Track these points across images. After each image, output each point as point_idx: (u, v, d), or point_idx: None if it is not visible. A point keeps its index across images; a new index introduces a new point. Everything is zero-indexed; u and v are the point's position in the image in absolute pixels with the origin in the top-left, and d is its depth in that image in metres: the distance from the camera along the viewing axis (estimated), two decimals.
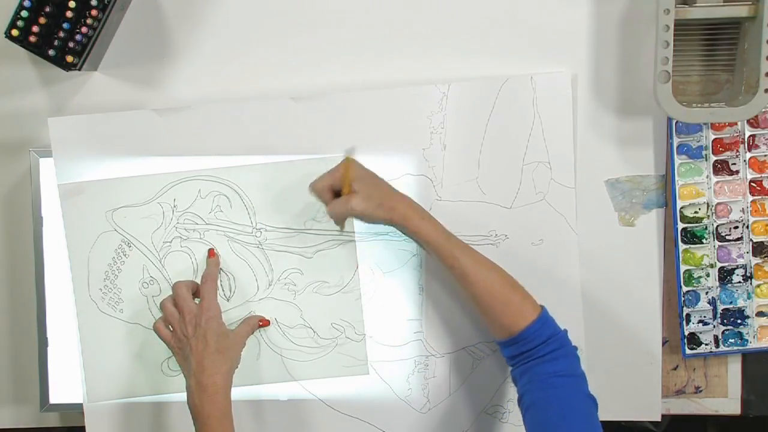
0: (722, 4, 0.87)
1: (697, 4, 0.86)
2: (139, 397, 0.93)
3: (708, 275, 0.93)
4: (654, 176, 0.94)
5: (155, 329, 0.88)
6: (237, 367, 0.86)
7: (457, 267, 0.82)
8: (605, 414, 0.96)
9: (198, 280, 0.91)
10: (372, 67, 0.94)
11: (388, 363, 0.88)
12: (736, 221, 0.93)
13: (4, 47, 0.89)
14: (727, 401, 0.97)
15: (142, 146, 0.92)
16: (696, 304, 0.94)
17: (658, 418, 0.96)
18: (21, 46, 0.87)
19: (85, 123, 0.92)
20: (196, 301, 0.88)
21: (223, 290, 0.92)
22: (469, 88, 0.91)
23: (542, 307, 0.81)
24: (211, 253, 0.91)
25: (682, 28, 0.87)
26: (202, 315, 0.84)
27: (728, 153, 0.92)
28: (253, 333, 0.90)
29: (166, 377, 0.91)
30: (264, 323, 0.92)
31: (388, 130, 0.92)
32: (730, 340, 0.94)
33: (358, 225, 0.92)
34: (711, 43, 0.91)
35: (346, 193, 0.84)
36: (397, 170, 0.92)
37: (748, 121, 0.92)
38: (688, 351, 0.94)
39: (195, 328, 0.84)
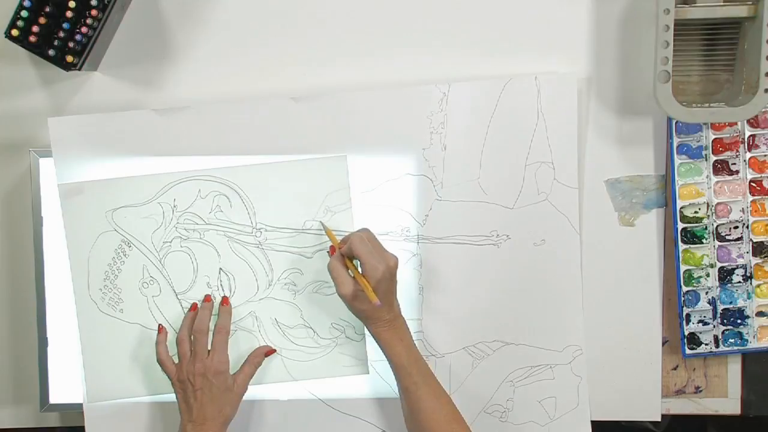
0: (722, 4, 0.87)
1: (697, 4, 0.86)
2: (139, 397, 0.94)
3: (708, 275, 0.93)
4: (654, 176, 0.94)
5: (159, 361, 0.89)
6: (233, 417, 0.88)
7: (412, 392, 0.83)
8: (605, 414, 0.96)
9: (198, 280, 0.91)
10: (372, 67, 0.94)
11: (387, 361, 0.88)
12: (736, 221, 0.93)
13: (4, 47, 0.89)
14: (727, 401, 0.97)
15: (142, 146, 0.92)
16: (696, 304, 0.94)
17: (658, 418, 0.96)
18: (21, 46, 0.87)
19: (85, 123, 0.92)
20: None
21: (223, 290, 0.92)
22: (470, 88, 0.91)
23: None
24: (225, 300, 0.92)
25: (682, 28, 0.87)
26: (213, 368, 0.86)
27: (728, 153, 0.92)
28: (256, 370, 0.91)
29: (165, 377, 0.90)
30: (269, 353, 0.92)
31: (388, 130, 0.92)
32: (730, 340, 0.94)
33: (357, 224, 0.91)
34: (711, 43, 0.91)
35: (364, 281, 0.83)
36: (397, 170, 0.92)
37: (748, 121, 0.92)
38: (688, 351, 0.94)
39: (203, 380, 0.86)
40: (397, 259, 0.84)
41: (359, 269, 0.84)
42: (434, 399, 0.83)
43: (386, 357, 0.85)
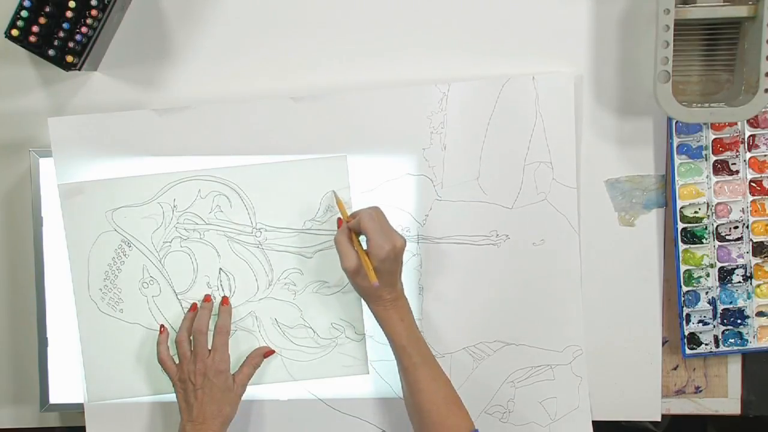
0: (722, 4, 0.87)
1: (697, 4, 0.86)
2: (139, 397, 0.93)
3: (708, 275, 0.93)
4: (654, 176, 0.94)
5: (160, 361, 0.89)
6: (233, 418, 0.88)
7: (411, 372, 0.83)
8: (605, 414, 0.96)
9: (198, 280, 0.91)
10: (372, 67, 0.94)
11: (388, 362, 0.88)
12: (736, 221, 0.93)
13: (4, 47, 0.89)
14: (727, 401, 0.97)
15: (142, 146, 0.92)
16: (696, 304, 0.94)
17: (658, 418, 0.96)
18: (21, 46, 0.87)
19: (85, 123, 0.92)
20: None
21: (223, 290, 0.92)
22: (469, 88, 0.91)
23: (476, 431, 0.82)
24: (225, 300, 0.92)
25: (682, 28, 0.87)
26: (213, 368, 0.87)
27: (728, 153, 0.92)
28: (255, 371, 0.91)
29: (165, 377, 0.90)
30: (268, 354, 0.92)
31: (388, 130, 0.92)
32: (730, 340, 0.94)
33: None
34: (711, 43, 0.91)
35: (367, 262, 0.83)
36: (397, 170, 0.92)
37: (748, 121, 0.92)
38: (688, 351, 0.94)
39: (203, 379, 0.86)
40: (404, 240, 0.84)
41: (365, 246, 0.84)
42: (433, 380, 0.83)
43: (386, 336, 0.85)
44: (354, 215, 0.86)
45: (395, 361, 0.85)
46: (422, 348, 0.84)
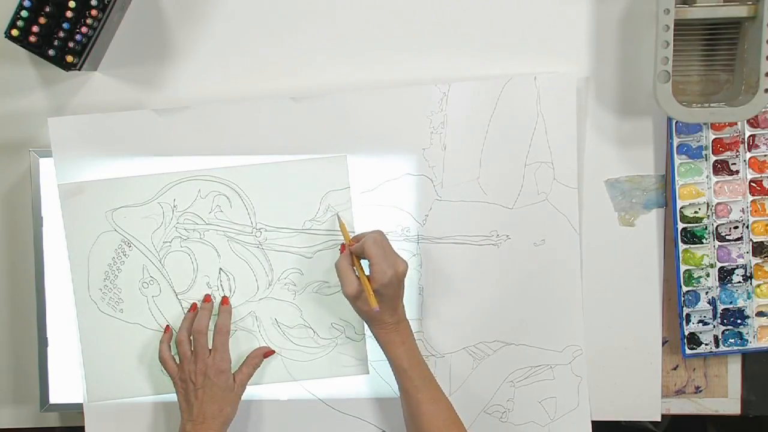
0: (722, 4, 0.87)
1: (697, 4, 0.86)
2: (139, 397, 0.94)
3: (708, 275, 0.93)
4: (654, 176, 0.94)
5: (162, 360, 0.90)
6: (233, 418, 0.88)
7: (412, 395, 0.83)
8: (605, 414, 0.96)
9: (198, 280, 0.91)
10: (372, 67, 0.94)
11: (388, 363, 0.88)
12: (736, 221, 0.93)
13: (4, 47, 0.89)
14: (727, 401, 0.97)
15: (142, 146, 0.92)
16: (696, 304, 0.94)
17: (658, 418, 0.96)
18: (21, 46, 0.87)
19: (85, 123, 0.92)
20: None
21: (223, 290, 0.92)
22: (470, 88, 0.91)
23: None
24: (225, 300, 0.92)
25: (682, 28, 0.87)
26: (214, 367, 0.87)
27: (728, 153, 0.92)
28: (255, 371, 0.91)
29: (165, 377, 0.90)
30: (268, 354, 0.92)
31: (388, 130, 0.92)
32: (730, 340, 0.94)
33: (357, 224, 0.92)
34: (711, 43, 0.91)
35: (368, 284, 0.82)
36: (397, 170, 0.92)
37: (748, 121, 0.92)
38: (688, 351, 0.94)
39: (204, 379, 0.86)
40: (406, 264, 0.84)
41: (367, 270, 0.84)
42: (434, 403, 0.83)
43: (387, 359, 0.85)
44: (356, 239, 0.86)
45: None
46: (424, 371, 0.85)
